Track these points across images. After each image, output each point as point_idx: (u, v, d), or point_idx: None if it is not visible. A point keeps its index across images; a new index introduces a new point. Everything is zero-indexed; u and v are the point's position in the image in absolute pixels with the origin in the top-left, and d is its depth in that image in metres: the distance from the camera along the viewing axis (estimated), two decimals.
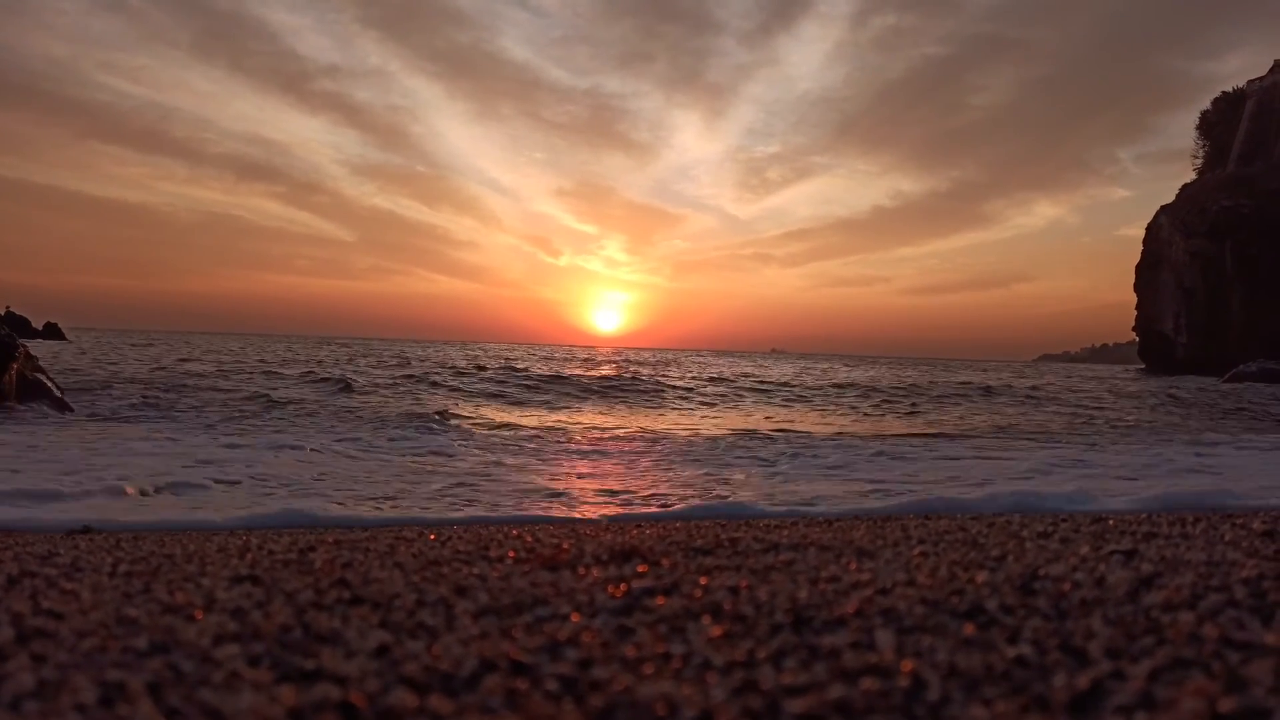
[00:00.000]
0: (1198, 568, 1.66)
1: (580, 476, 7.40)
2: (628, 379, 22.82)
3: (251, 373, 20.55)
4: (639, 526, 3.48)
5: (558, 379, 21.55)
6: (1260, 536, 2.12)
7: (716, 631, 1.26)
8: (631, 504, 5.78)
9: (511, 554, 2.03)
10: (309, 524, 4.51)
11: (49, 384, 12.15)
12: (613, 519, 4.92)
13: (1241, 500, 5.54)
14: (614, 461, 8.68)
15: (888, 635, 1.22)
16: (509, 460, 8.26)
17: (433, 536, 2.83)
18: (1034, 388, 25.20)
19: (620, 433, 11.78)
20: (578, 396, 18.22)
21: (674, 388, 21.09)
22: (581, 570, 1.76)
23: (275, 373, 20.90)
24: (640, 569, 1.77)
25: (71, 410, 12.05)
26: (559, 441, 10.39)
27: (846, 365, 51.56)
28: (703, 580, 1.64)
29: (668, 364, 40.34)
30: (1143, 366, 69.57)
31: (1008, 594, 1.45)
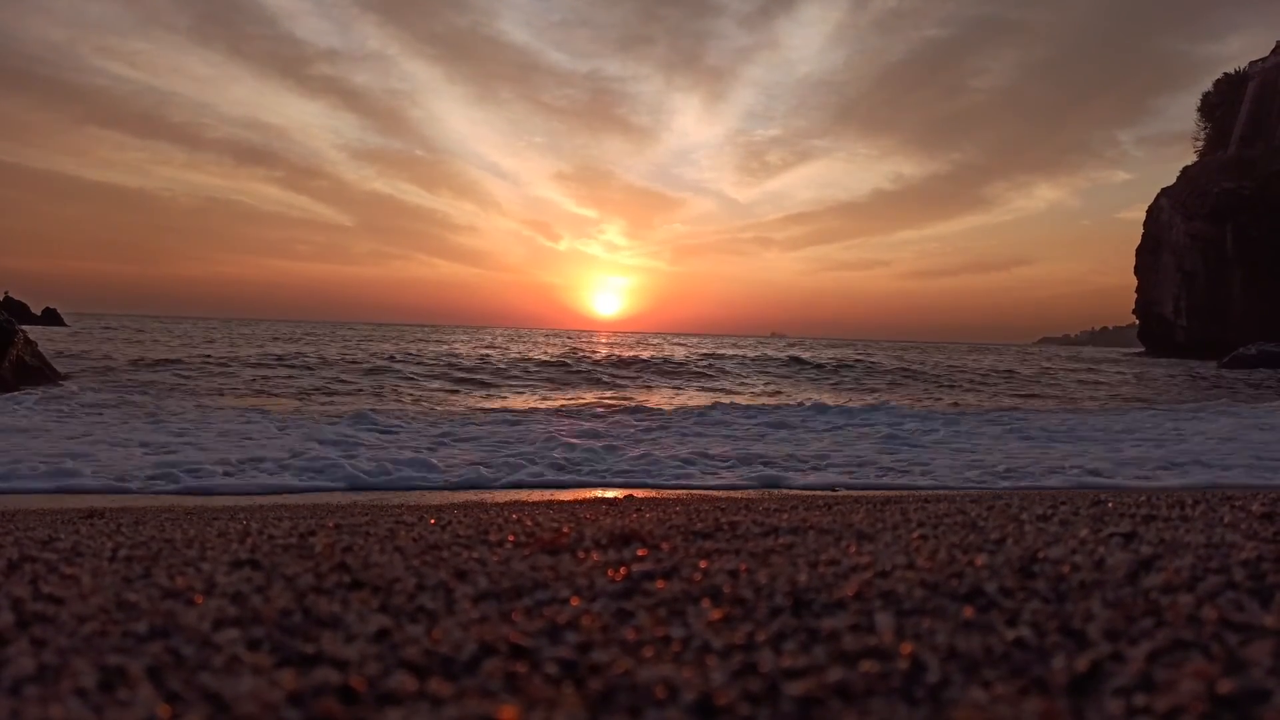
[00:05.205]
0: (1197, 550, 1.66)
1: None
2: None
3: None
4: (639, 510, 3.48)
5: None
6: (1259, 519, 2.12)
7: (716, 615, 1.26)
8: None
9: (511, 538, 2.03)
10: None
11: (48, 370, 12.16)
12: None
13: None
14: None
15: (887, 618, 1.22)
16: None
17: (432, 521, 2.83)
18: None
19: None
20: None
21: None
22: (581, 554, 1.76)
23: None
24: (640, 553, 1.77)
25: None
26: None
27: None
28: (702, 564, 1.64)
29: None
30: (1142, 350, 69.53)
31: (1007, 577, 1.45)
